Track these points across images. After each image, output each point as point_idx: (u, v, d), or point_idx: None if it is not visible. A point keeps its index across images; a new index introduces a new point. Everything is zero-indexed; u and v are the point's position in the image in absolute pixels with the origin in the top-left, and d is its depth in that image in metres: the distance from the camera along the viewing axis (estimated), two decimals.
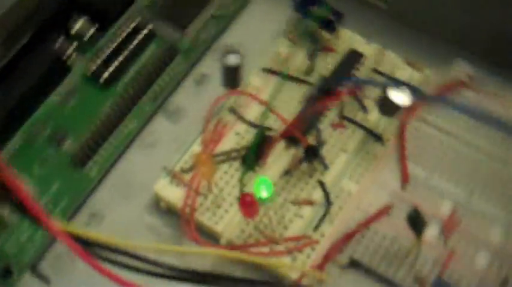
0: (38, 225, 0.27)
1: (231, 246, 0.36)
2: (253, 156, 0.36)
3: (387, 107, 0.36)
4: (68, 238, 0.26)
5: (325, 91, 0.39)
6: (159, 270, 0.28)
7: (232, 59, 0.37)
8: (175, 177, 0.38)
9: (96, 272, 0.36)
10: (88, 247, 0.27)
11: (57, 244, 0.38)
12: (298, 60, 0.43)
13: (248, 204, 0.32)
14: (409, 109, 0.39)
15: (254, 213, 0.33)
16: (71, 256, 0.36)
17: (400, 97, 0.35)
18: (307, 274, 0.34)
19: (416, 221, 0.33)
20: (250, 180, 0.37)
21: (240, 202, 0.32)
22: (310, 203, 0.37)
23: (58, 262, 0.38)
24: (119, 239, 0.28)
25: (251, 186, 0.36)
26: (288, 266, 0.34)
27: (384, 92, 0.35)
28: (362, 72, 0.42)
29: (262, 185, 0.33)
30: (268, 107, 0.32)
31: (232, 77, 0.37)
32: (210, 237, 0.38)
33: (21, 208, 0.28)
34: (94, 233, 0.27)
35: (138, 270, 0.28)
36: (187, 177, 0.38)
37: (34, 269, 0.37)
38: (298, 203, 0.37)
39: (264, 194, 0.33)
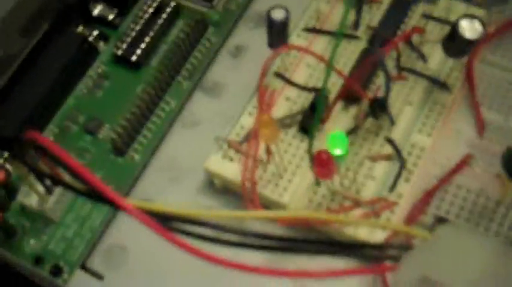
0: (112, 206, 0.23)
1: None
2: (318, 121, 0.33)
3: (457, 45, 0.32)
4: (143, 214, 0.23)
5: (381, 42, 0.35)
6: (242, 239, 0.24)
7: (279, 14, 0.33)
8: (231, 146, 0.34)
9: (150, 257, 0.33)
10: (159, 220, 0.24)
11: (106, 237, 0.35)
12: (340, 15, 0.39)
13: (325, 162, 0.28)
14: (475, 49, 0.36)
15: (330, 173, 0.29)
16: (122, 247, 0.33)
17: (472, 30, 0.31)
18: (397, 234, 0.30)
19: (510, 162, 0.29)
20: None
21: (315, 161, 0.29)
22: (387, 157, 0.33)
23: (109, 255, 0.34)
24: (193, 209, 0.24)
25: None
26: (379, 225, 0.30)
27: (454, 26, 0.31)
28: (413, 20, 0.39)
29: (336, 141, 0.29)
30: (330, 66, 0.29)
31: (280, 34, 0.34)
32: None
33: (88, 192, 0.24)
34: (169, 206, 0.24)
35: (218, 241, 0.24)
36: (242, 149, 0.34)
37: (85, 265, 0.34)
38: (374, 159, 0.33)
39: (338, 151, 0.29)
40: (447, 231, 0.25)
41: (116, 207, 0.24)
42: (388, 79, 0.30)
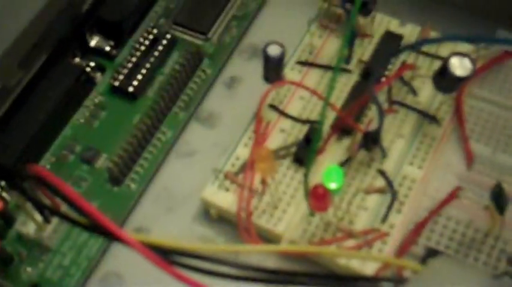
0: (110, 238, 0.24)
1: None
2: (314, 152, 0.34)
3: (447, 81, 0.33)
4: (144, 247, 0.23)
5: (376, 77, 0.36)
6: (239, 272, 0.25)
7: (275, 50, 0.34)
8: (227, 177, 0.35)
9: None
10: (163, 255, 0.24)
11: (103, 265, 0.35)
12: (333, 48, 0.41)
13: (321, 197, 0.29)
14: (464, 84, 0.37)
15: (325, 207, 0.30)
16: (118, 275, 0.34)
17: (462, 67, 0.32)
18: (388, 265, 0.31)
19: (500, 197, 0.30)
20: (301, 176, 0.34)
21: (311, 195, 0.29)
22: (381, 190, 0.34)
23: (105, 283, 0.35)
24: (192, 243, 0.25)
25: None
26: (372, 257, 0.31)
27: (445, 64, 0.32)
28: (403, 55, 0.40)
29: (332, 174, 0.30)
30: (327, 100, 0.30)
31: (276, 68, 0.35)
32: (269, 242, 0.35)
33: (87, 225, 0.25)
34: (169, 240, 0.24)
35: (216, 274, 0.25)
36: (239, 180, 0.35)
37: None
38: (368, 191, 0.34)
39: (333, 185, 0.30)
40: (439, 264, 0.26)
41: (115, 239, 0.24)
42: (382, 114, 0.31)
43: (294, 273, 0.26)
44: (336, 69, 0.29)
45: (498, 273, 0.32)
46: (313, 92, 0.36)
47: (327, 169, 0.29)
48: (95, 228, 0.25)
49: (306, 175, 0.31)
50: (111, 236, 0.24)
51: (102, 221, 0.24)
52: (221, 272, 0.25)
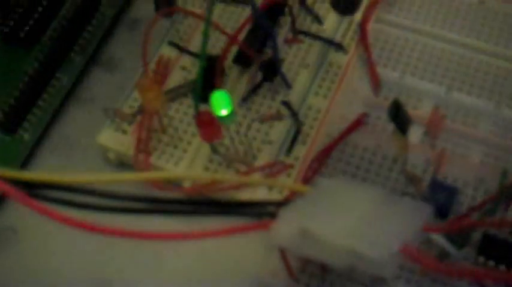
0: None
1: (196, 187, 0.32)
2: (200, 83, 0.32)
3: (345, 2, 0.32)
4: (5, 183, 0.21)
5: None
6: (114, 203, 0.23)
7: None
8: (118, 115, 0.33)
9: (43, 239, 0.32)
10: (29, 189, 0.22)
11: None
12: None
13: (207, 123, 0.27)
14: (369, 9, 0.36)
15: (216, 134, 0.28)
16: (14, 230, 0.32)
17: None
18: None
19: (398, 114, 0.29)
20: None
21: (196, 122, 0.28)
22: (278, 117, 0.32)
23: (0, 239, 0.33)
24: (60, 175, 0.23)
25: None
26: (267, 183, 0.30)
27: None
28: None
29: (219, 100, 0.28)
30: (208, 24, 0.28)
31: None
32: (170, 182, 0.33)
33: None
34: (32, 172, 0.22)
35: (90, 206, 0.23)
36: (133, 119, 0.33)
37: None
38: (264, 119, 0.32)
39: (223, 112, 0.28)
40: (328, 182, 0.25)
41: None
42: (272, 35, 0.30)
43: (178, 201, 0.24)
44: None
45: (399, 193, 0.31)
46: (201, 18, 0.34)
47: (212, 96, 0.27)
48: None
49: (195, 108, 0.29)
50: None
51: None
52: (96, 204, 0.24)
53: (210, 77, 0.34)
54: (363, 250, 0.22)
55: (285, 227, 0.23)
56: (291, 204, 0.24)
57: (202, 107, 0.29)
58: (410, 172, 0.31)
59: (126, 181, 0.24)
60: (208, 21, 0.27)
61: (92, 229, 0.22)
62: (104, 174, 0.23)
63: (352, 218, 0.23)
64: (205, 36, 0.27)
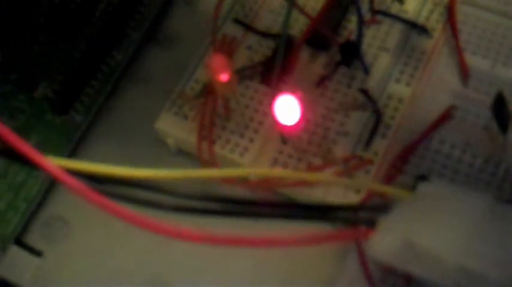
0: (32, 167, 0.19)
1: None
2: (280, 68, 0.29)
3: None
4: (65, 174, 0.19)
5: None
6: (179, 202, 0.20)
7: None
8: (182, 99, 0.30)
9: (95, 232, 0.29)
10: (97, 184, 0.19)
11: (46, 208, 0.31)
12: None
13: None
14: None
15: (297, 124, 0.25)
16: (64, 220, 0.29)
17: None
18: (372, 196, 0.26)
19: (502, 110, 0.25)
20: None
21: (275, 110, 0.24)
22: (362, 107, 0.29)
23: (49, 229, 0.30)
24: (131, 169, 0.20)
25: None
26: (361, 184, 0.26)
27: None
28: None
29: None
30: (292, 2, 0.24)
31: None
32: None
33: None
34: (103, 166, 0.19)
35: (159, 205, 0.20)
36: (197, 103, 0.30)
37: (20, 240, 0.29)
38: (346, 109, 0.29)
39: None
40: (429, 188, 0.21)
41: (33, 166, 0.19)
42: (360, 17, 0.26)
43: (258, 203, 0.21)
44: None
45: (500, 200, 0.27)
46: None
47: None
48: (11, 154, 0.20)
49: (272, 93, 0.26)
50: (27, 162, 0.19)
51: (15, 143, 0.19)
52: (170, 204, 0.21)
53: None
54: (479, 269, 0.19)
55: (388, 239, 0.20)
56: (392, 212, 0.21)
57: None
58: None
59: (197, 178, 0.21)
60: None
61: (172, 233, 0.19)
62: (173, 171, 0.21)
63: (462, 231, 0.20)
64: (288, 14, 0.24)
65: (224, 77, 0.24)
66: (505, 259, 0.20)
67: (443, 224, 0.20)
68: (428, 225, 0.20)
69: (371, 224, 0.21)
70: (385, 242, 0.20)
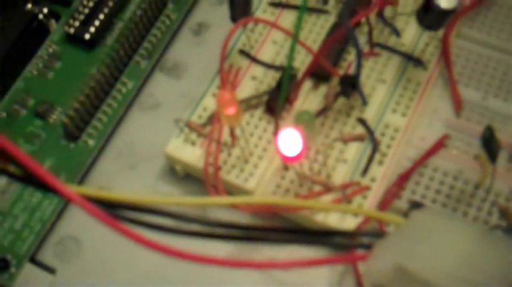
0: (51, 193, 0.21)
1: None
2: (284, 99, 0.30)
3: (432, 15, 0.30)
4: (86, 201, 0.20)
5: (350, 13, 0.32)
6: (204, 229, 0.22)
7: None
8: (190, 127, 0.31)
9: (106, 250, 0.31)
10: (109, 209, 0.21)
11: (59, 228, 0.32)
12: None
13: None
14: (451, 23, 0.34)
15: (298, 156, 0.27)
16: (76, 239, 0.31)
17: (448, 0, 0.29)
18: (369, 221, 0.28)
19: (491, 142, 0.27)
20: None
21: (276, 141, 0.26)
22: (359, 138, 0.31)
23: (62, 247, 0.32)
24: (143, 196, 0.22)
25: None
26: (350, 210, 0.28)
27: None
28: None
29: (304, 117, 0.26)
30: (295, 38, 0.26)
31: (243, 4, 0.31)
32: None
33: (25, 178, 0.22)
34: (115, 193, 0.21)
35: (177, 231, 0.22)
36: (205, 131, 0.32)
37: (34, 258, 0.31)
38: (345, 140, 0.31)
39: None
40: (423, 216, 0.23)
41: (57, 194, 0.21)
42: (359, 53, 0.28)
43: (265, 228, 0.23)
44: (302, 4, 0.25)
45: (489, 226, 0.29)
46: (285, 32, 0.33)
47: (298, 114, 0.26)
48: (36, 183, 0.22)
49: (276, 124, 0.28)
50: (50, 190, 0.21)
51: (35, 170, 0.21)
52: (183, 229, 0.22)
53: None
54: None
55: (381, 264, 0.21)
56: (387, 238, 0.22)
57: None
58: (503, 205, 0.29)
59: (210, 205, 0.23)
60: (296, 36, 0.26)
61: (164, 250, 0.21)
62: (184, 198, 0.22)
63: (452, 257, 0.22)
64: (292, 51, 0.26)
65: (231, 110, 0.26)
66: (488, 284, 0.21)
67: (435, 250, 0.22)
68: (420, 251, 0.22)
69: (367, 248, 0.23)
70: (378, 266, 0.21)
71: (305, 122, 0.26)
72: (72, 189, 0.21)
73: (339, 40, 0.32)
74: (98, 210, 0.21)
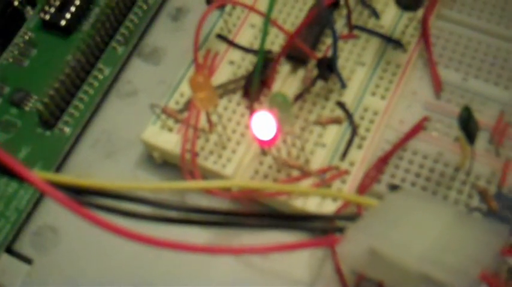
0: (18, 179, 0.20)
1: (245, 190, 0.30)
2: (258, 83, 0.30)
3: None
4: (48, 185, 0.20)
5: None
6: (166, 213, 0.21)
7: None
8: (166, 113, 0.31)
9: (83, 239, 0.31)
10: (79, 196, 0.21)
11: (35, 218, 0.32)
12: None
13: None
14: (430, 4, 0.33)
15: (273, 139, 0.27)
16: (53, 229, 0.31)
17: None
18: (347, 206, 0.27)
19: (469, 123, 0.27)
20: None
21: (251, 124, 0.26)
22: (337, 120, 0.30)
23: (38, 237, 0.31)
24: (116, 182, 0.21)
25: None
26: (331, 194, 0.28)
27: None
28: None
29: (277, 99, 0.26)
30: (268, 18, 0.26)
31: None
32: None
33: None
34: (84, 179, 0.21)
35: (148, 217, 0.21)
36: (181, 117, 0.31)
37: (11, 249, 0.31)
38: (323, 123, 0.30)
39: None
40: (397, 198, 0.23)
41: (20, 180, 0.20)
42: (335, 34, 0.28)
43: (244, 214, 0.23)
44: None
45: (468, 209, 0.29)
46: (261, 14, 0.32)
47: (272, 96, 0.25)
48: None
49: (251, 107, 0.27)
50: (13, 176, 0.21)
51: (6, 160, 0.20)
52: (156, 215, 0.22)
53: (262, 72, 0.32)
54: (440, 277, 0.20)
55: (353, 247, 0.21)
56: (360, 221, 0.22)
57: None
58: (482, 188, 0.29)
59: (186, 189, 0.23)
60: (268, 18, 0.25)
61: (149, 241, 0.20)
62: (159, 183, 0.22)
63: (425, 239, 0.21)
64: (265, 33, 0.25)
65: (203, 93, 0.25)
66: (466, 268, 0.21)
67: (408, 232, 0.22)
68: (393, 233, 0.21)
69: (343, 232, 0.22)
70: (350, 249, 0.21)
71: (279, 105, 0.26)
72: (36, 174, 0.20)
73: (315, 21, 0.31)
74: (62, 195, 0.21)
